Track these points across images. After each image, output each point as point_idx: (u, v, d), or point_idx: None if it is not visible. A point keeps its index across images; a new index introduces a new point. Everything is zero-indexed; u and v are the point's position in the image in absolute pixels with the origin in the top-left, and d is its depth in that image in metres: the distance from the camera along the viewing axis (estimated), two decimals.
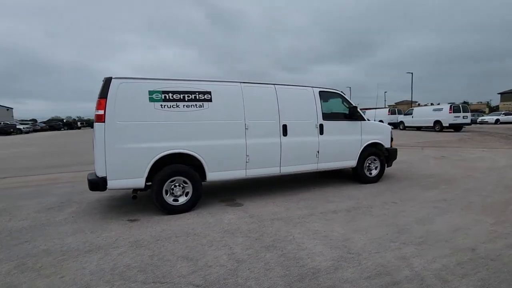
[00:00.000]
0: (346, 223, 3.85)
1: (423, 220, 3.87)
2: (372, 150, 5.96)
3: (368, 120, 6.13)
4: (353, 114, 5.66)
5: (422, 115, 22.69)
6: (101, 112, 3.93)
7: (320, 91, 5.48)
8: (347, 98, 5.79)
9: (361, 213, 4.20)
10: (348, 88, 61.87)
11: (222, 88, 4.66)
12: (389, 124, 26.47)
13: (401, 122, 24.74)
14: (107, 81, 4.02)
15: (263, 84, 5.04)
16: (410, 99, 45.28)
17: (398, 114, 26.55)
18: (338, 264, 2.77)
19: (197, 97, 4.45)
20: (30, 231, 3.79)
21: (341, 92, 5.78)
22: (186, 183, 4.40)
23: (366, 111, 31.78)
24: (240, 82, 4.84)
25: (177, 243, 3.32)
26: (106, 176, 3.97)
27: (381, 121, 27.26)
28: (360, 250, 3.04)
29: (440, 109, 21.36)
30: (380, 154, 6.04)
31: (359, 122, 5.79)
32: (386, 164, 6.29)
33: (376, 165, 6.06)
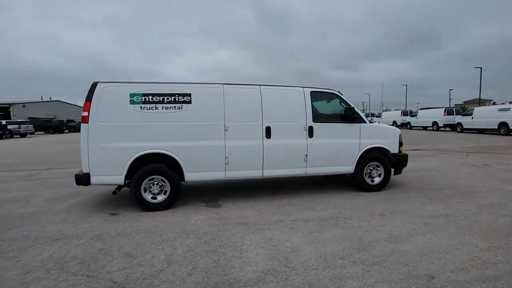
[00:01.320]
0: (309, 233, 3.59)
1: (397, 238, 3.41)
2: (374, 156, 5.42)
3: (373, 122, 5.60)
4: (349, 116, 5.21)
5: (484, 116, 19.74)
6: (85, 113, 4.31)
7: (312, 91, 5.18)
8: (344, 98, 5.36)
9: (333, 224, 3.87)
10: (405, 86, 57.05)
11: (202, 90, 4.72)
12: (445, 125, 23.84)
13: (459, 123, 21.88)
14: (93, 86, 4.38)
15: (248, 85, 4.96)
16: (479, 97, 39.76)
17: (456, 114, 23.51)
18: (263, 277, 2.61)
19: (177, 99, 4.59)
20: (28, 218, 4.34)
21: (338, 92, 5.37)
22: (164, 182, 4.57)
23: (419, 111, 28.90)
24: (223, 84, 4.84)
25: (131, 239, 3.49)
26: (89, 173, 4.34)
27: (435, 122, 24.59)
28: (299, 265, 2.82)
29: (507, 109, 18.31)
30: (384, 160, 5.47)
31: (357, 124, 5.31)
32: (395, 171, 5.69)
33: (379, 172, 5.50)
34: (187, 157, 4.59)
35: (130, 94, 4.45)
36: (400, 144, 5.61)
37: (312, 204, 4.79)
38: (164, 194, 4.59)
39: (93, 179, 4.36)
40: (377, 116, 36.28)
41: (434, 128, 24.95)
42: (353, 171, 5.35)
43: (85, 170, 4.35)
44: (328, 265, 2.81)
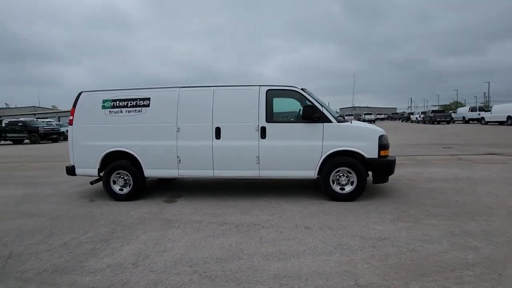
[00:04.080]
0: (205, 237, 3.54)
1: (280, 255, 3.00)
2: (344, 160, 4.69)
3: (343, 121, 4.84)
4: (309, 115, 4.65)
5: None
6: (71, 117, 5.33)
7: (268, 90, 4.87)
8: (307, 96, 4.80)
9: (242, 231, 3.67)
10: None
11: (160, 94, 5.12)
12: None
13: None
14: (78, 95, 5.37)
15: (203, 87, 5.09)
16: None
17: None
18: (102, 270, 2.83)
19: (138, 103, 5.13)
20: (41, 198, 5.68)
21: (301, 89, 4.85)
22: (128, 176, 5.20)
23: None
24: (179, 87, 5.12)
25: (70, 222, 4.21)
26: (74, 165, 5.36)
27: (510, 116, 18.88)
28: (146, 265, 2.90)
29: None
30: (356, 165, 4.66)
31: (320, 124, 4.69)
32: (374, 180, 4.80)
33: (351, 179, 4.71)
34: (145, 155, 5.09)
35: (103, 100, 5.24)
36: (382, 147, 4.64)
37: (255, 209, 4.55)
38: (129, 187, 5.22)
39: (77, 171, 5.36)
40: (486, 110, 28.97)
41: None
42: (315, 177, 4.78)
43: (71, 163, 5.39)
44: (169, 270, 2.79)
